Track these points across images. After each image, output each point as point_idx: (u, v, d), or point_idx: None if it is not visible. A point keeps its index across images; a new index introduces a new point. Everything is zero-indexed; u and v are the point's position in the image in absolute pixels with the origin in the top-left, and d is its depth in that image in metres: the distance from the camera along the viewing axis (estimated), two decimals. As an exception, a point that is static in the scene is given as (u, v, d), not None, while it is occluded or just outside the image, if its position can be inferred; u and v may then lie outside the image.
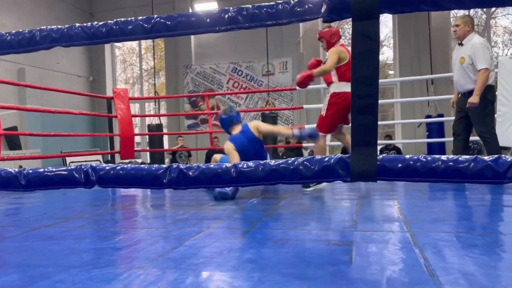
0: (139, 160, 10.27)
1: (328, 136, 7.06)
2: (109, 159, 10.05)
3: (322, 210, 2.83)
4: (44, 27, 1.60)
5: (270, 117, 7.70)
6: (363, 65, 1.19)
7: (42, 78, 9.71)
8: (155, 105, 8.81)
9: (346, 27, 12.86)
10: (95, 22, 1.56)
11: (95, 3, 12.19)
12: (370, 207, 2.77)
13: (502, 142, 4.79)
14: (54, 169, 1.48)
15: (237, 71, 11.07)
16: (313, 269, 1.43)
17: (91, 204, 3.40)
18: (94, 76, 12.11)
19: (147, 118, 11.21)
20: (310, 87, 8.52)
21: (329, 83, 4.16)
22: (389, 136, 8.74)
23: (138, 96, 12.50)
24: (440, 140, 7.26)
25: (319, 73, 3.90)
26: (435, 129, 7.82)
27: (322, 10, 1.30)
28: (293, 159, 1.34)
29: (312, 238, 1.90)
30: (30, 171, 1.49)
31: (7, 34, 1.62)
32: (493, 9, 11.69)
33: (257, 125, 3.88)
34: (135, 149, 6.64)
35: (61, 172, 1.47)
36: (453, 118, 6.91)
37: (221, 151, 8.86)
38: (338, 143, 8.05)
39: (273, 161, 1.36)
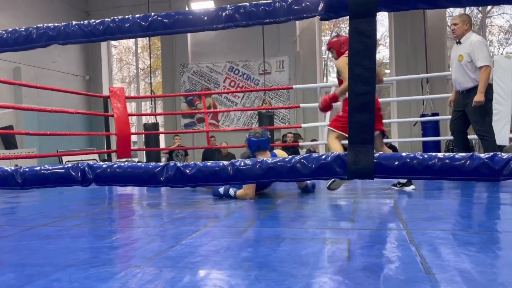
0: (136, 159, 10.26)
1: (325, 135, 7.08)
2: (106, 158, 10.04)
3: (319, 209, 2.83)
4: (41, 25, 1.60)
5: (266, 116, 7.70)
6: (360, 63, 1.19)
7: (38, 77, 9.66)
8: (151, 104, 8.79)
9: (342, 26, 12.89)
10: (92, 20, 1.56)
11: (91, 2, 12.15)
12: (366, 205, 2.77)
13: (498, 140, 4.81)
14: (50, 167, 1.48)
15: (233, 70, 11.06)
16: (310, 267, 1.43)
17: (88, 203, 3.39)
18: (91, 75, 12.07)
19: (143, 117, 11.19)
20: (306, 85, 8.57)
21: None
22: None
23: (134, 95, 12.47)
24: (435, 139, 7.28)
25: (342, 92, 3.65)
26: (430, 128, 7.84)
27: (319, 8, 1.30)
28: (290, 157, 1.35)
29: (309, 237, 1.90)
30: (27, 169, 1.48)
31: (4, 32, 1.61)
32: (489, 8, 11.74)
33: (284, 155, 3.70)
34: (131, 148, 6.63)
35: (58, 170, 1.47)
36: (448, 117, 6.90)
37: (218, 150, 8.88)
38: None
39: (270, 159, 1.36)
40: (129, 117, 6.58)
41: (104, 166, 1.44)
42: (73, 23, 1.56)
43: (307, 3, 1.33)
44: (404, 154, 1.24)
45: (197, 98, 11.08)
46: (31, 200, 3.72)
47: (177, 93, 10.46)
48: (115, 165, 1.44)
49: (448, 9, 9.78)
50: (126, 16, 1.52)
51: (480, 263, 1.43)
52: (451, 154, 1.20)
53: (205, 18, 1.46)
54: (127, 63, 15.87)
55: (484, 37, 10.72)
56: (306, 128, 8.76)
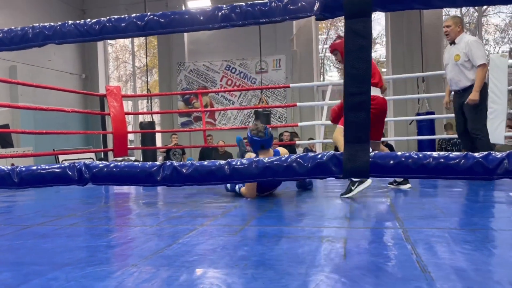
0: (133, 158, 10.24)
1: (322, 134, 7.10)
2: (102, 157, 10.02)
3: (316, 207, 2.84)
4: (37, 24, 1.60)
5: (263, 115, 7.70)
6: (355, 63, 1.20)
7: (34, 75, 9.63)
8: (148, 102, 8.77)
9: (339, 24, 12.89)
10: (88, 20, 1.56)
11: (87, 0, 12.11)
12: (363, 204, 2.78)
13: (493, 139, 4.83)
14: (47, 167, 1.48)
15: (230, 68, 11.05)
16: (307, 266, 1.44)
17: (84, 202, 3.39)
18: (87, 73, 12.04)
19: (140, 116, 11.17)
20: (303, 84, 8.57)
21: None
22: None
23: (131, 93, 12.44)
24: (430, 138, 7.31)
25: None
26: (425, 127, 7.86)
27: (315, 8, 1.30)
28: (286, 156, 1.35)
29: (306, 235, 1.91)
30: (23, 169, 1.48)
31: (-1, 31, 1.61)
32: (485, 7, 11.76)
33: (287, 153, 3.70)
34: (128, 147, 6.62)
35: (54, 170, 1.47)
36: (444, 116, 6.90)
37: (215, 149, 8.87)
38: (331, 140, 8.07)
39: (266, 158, 1.36)
40: (126, 116, 6.58)
41: (100, 165, 1.44)
42: (69, 23, 1.55)
43: (303, 3, 1.34)
44: (399, 153, 1.25)
45: (194, 97, 11.07)
46: (28, 199, 3.72)
47: (174, 92, 10.45)
48: (112, 165, 1.44)
49: (444, 9, 9.79)
50: (122, 16, 1.52)
51: (475, 261, 1.44)
52: (446, 153, 1.21)
53: (201, 17, 1.46)
54: (124, 61, 15.83)
55: (480, 36, 10.76)
56: (303, 126, 8.77)
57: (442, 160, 1.19)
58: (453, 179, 1.24)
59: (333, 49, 3.49)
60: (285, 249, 1.67)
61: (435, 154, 1.21)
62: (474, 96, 3.83)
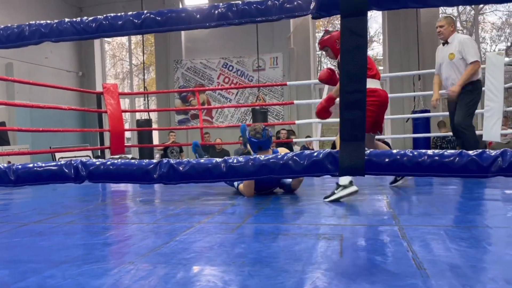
0: (130, 156, 10.22)
1: (319, 132, 7.10)
2: (99, 154, 10.00)
3: (312, 205, 2.84)
4: (33, 22, 1.59)
5: (260, 113, 7.71)
6: (351, 61, 1.20)
7: (30, 73, 9.59)
8: (145, 100, 8.76)
9: (336, 22, 12.89)
10: (85, 17, 1.56)
11: (84, -3, 12.07)
12: (359, 202, 2.79)
13: (489, 137, 4.85)
14: (43, 164, 1.48)
15: (227, 66, 11.04)
16: (303, 263, 1.45)
17: (81, 200, 3.39)
18: (84, 71, 12.00)
19: (137, 114, 11.14)
20: (300, 82, 8.57)
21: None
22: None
23: (128, 91, 12.41)
24: (425, 135, 7.33)
25: (338, 92, 3.31)
26: (421, 124, 7.89)
27: (311, 6, 1.30)
28: (282, 154, 1.36)
29: (302, 232, 1.92)
30: (20, 167, 1.48)
31: (-4, 29, 1.61)
32: (481, 5, 11.79)
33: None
34: (125, 144, 6.61)
35: (51, 167, 1.47)
36: (440, 113, 6.92)
37: (212, 146, 8.87)
38: (330, 138, 8.09)
39: (263, 156, 1.37)
40: (123, 114, 6.56)
41: (97, 163, 1.45)
42: (66, 21, 1.55)
43: (299, 1, 1.34)
44: (394, 151, 1.26)
45: (191, 95, 11.05)
46: (24, 197, 3.71)
47: (171, 90, 10.44)
48: (108, 162, 1.44)
49: (440, 8, 9.80)
50: (119, 14, 1.52)
51: (470, 258, 1.45)
52: (441, 151, 1.22)
53: (198, 16, 1.46)
54: (121, 59, 15.79)
55: (476, 34, 10.79)
56: (300, 124, 8.78)
57: (437, 158, 1.20)
58: (448, 177, 1.25)
59: (323, 46, 3.34)
60: (281, 246, 1.68)
61: (430, 152, 1.22)
62: (454, 88, 3.85)
